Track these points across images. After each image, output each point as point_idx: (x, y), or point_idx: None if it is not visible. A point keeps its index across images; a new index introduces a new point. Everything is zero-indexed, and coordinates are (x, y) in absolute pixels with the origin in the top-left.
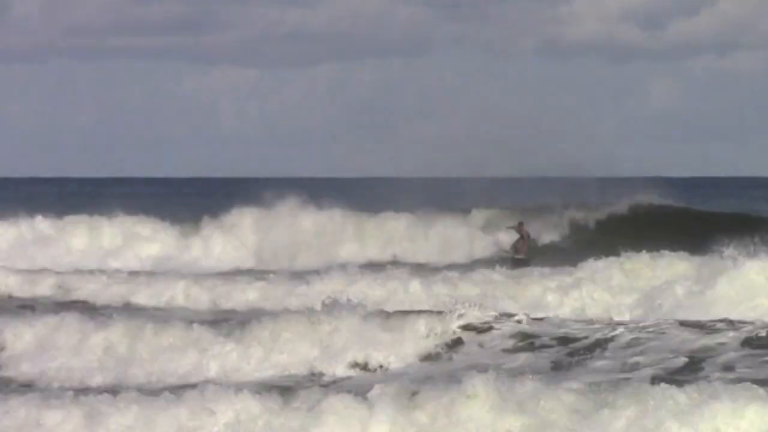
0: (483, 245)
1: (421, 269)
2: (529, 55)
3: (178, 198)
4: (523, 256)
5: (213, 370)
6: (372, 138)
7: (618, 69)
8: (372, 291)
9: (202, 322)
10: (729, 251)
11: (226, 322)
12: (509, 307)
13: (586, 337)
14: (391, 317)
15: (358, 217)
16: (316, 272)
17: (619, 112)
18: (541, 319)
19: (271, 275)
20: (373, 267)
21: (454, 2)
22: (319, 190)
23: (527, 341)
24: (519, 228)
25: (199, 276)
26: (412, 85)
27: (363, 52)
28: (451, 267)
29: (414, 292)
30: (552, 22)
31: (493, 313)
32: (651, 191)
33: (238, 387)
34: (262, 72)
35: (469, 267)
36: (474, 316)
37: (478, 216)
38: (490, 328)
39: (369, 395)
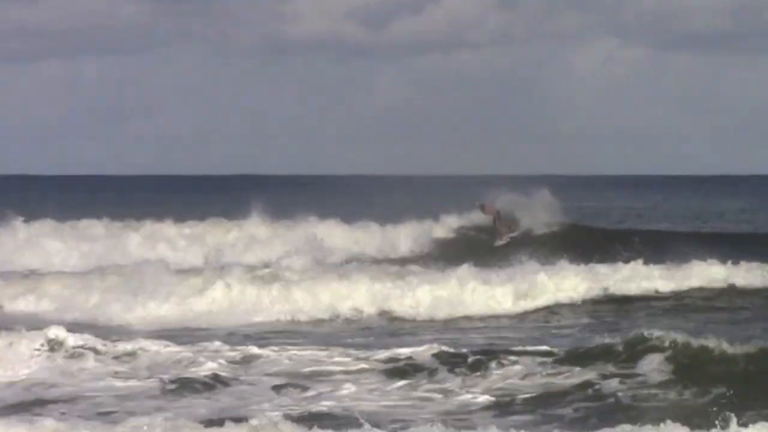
0: None
1: None
2: (253, 53)
3: None
4: (503, 241)
5: None
6: (97, 134)
7: (342, 67)
8: None
9: None
10: None
11: None
12: None
13: None
14: None
15: None
16: None
17: (344, 110)
18: None
19: None
20: None
21: None
22: (42, 187)
23: None
24: (483, 209)
25: None
26: (135, 81)
27: (86, 49)
28: None
29: None
30: (275, 19)
31: None
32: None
33: None
34: None
35: None
36: None
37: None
38: None
39: None
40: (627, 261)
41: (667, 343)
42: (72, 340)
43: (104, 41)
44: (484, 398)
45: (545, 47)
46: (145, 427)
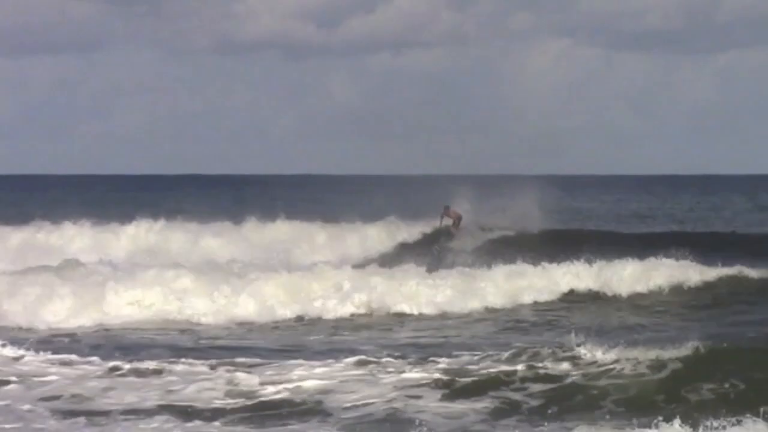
0: None
1: None
2: (206, 52)
3: None
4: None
5: None
6: (48, 135)
7: (295, 66)
8: None
9: None
10: None
11: None
12: None
13: None
14: None
15: None
16: None
17: (297, 109)
18: None
19: None
20: None
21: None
22: None
23: None
24: (447, 212)
25: None
26: (87, 82)
27: (37, 48)
28: None
29: None
30: (228, 19)
31: None
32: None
33: None
34: None
35: None
36: None
37: None
38: None
39: None
40: (580, 260)
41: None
42: None
43: (55, 41)
44: None
45: (498, 47)
46: None
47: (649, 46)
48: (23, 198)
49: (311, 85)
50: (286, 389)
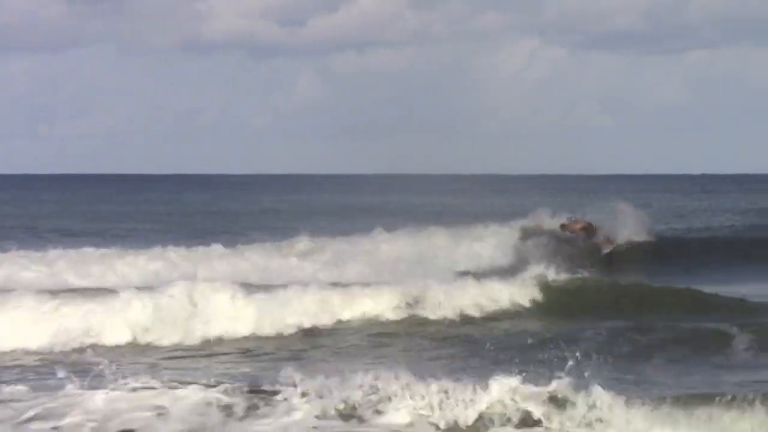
0: None
1: None
2: (170, 52)
3: None
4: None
5: None
6: (10, 134)
7: (259, 66)
8: None
9: None
10: None
11: None
12: None
13: None
14: None
15: None
16: None
17: (260, 108)
18: None
19: None
20: None
21: None
22: None
23: None
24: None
25: None
26: (50, 81)
27: (2, 48)
28: None
29: None
30: (192, 18)
31: None
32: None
33: None
34: None
35: None
36: None
37: None
38: None
39: None
40: None
41: None
42: None
43: (20, 41)
44: None
45: (465, 47)
46: None
47: (616, 46)
48: None
49: (276, 84)
50: None
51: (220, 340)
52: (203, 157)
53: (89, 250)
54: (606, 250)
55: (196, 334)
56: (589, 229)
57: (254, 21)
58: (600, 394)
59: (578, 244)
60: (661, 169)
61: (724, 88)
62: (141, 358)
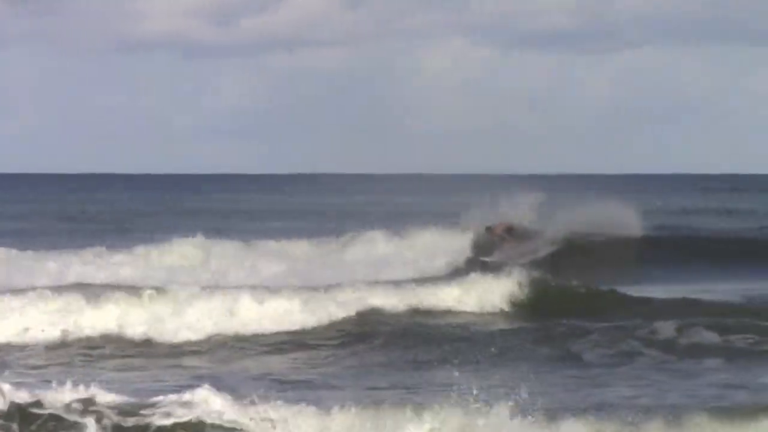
0: None
1: None
2: (104, 52)
3: None
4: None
5: None
6: None
7: (189, 65)
8: None
9: None
10: None
11: None
12: None
13: None
14: None
15: None
16: None
17: (194, 107)
18: None
19: None
20: None
21: None
22: None
23: None
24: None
25: None
26: None
27: None
28: None
29: None
30: (123, 18)
31: None
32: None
33: None
34: None
35: None
36: None
37: None
38: None
39: None
40: None
41: None
42: None
43: None
44: None
45: (394, 46)
46: None
47: (544, 45)
48: None
49: (209, 84)
50: None
51: None
52: (131, 156)
53: None
54: (508, 245)
55: None
56: (512, 230)
57: (187, 21)
58: None
59: (503, 246)
60: (589, 169)
61: (649, 88)
62: None
